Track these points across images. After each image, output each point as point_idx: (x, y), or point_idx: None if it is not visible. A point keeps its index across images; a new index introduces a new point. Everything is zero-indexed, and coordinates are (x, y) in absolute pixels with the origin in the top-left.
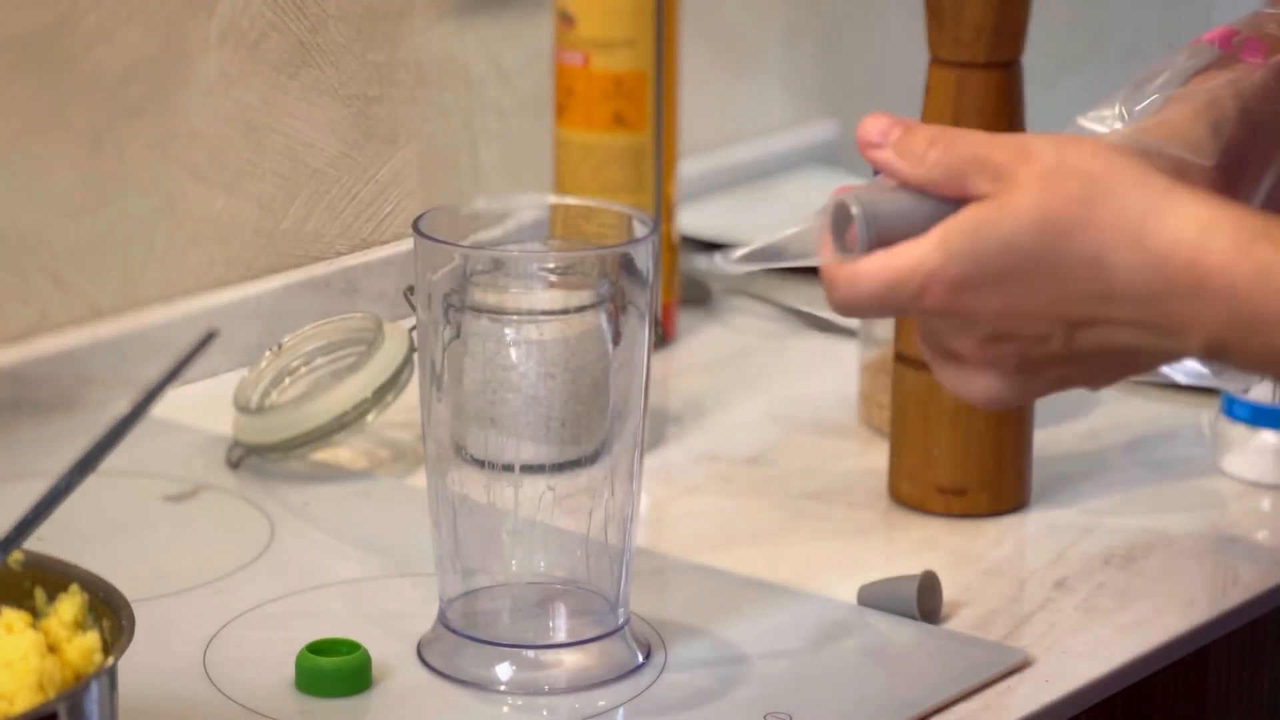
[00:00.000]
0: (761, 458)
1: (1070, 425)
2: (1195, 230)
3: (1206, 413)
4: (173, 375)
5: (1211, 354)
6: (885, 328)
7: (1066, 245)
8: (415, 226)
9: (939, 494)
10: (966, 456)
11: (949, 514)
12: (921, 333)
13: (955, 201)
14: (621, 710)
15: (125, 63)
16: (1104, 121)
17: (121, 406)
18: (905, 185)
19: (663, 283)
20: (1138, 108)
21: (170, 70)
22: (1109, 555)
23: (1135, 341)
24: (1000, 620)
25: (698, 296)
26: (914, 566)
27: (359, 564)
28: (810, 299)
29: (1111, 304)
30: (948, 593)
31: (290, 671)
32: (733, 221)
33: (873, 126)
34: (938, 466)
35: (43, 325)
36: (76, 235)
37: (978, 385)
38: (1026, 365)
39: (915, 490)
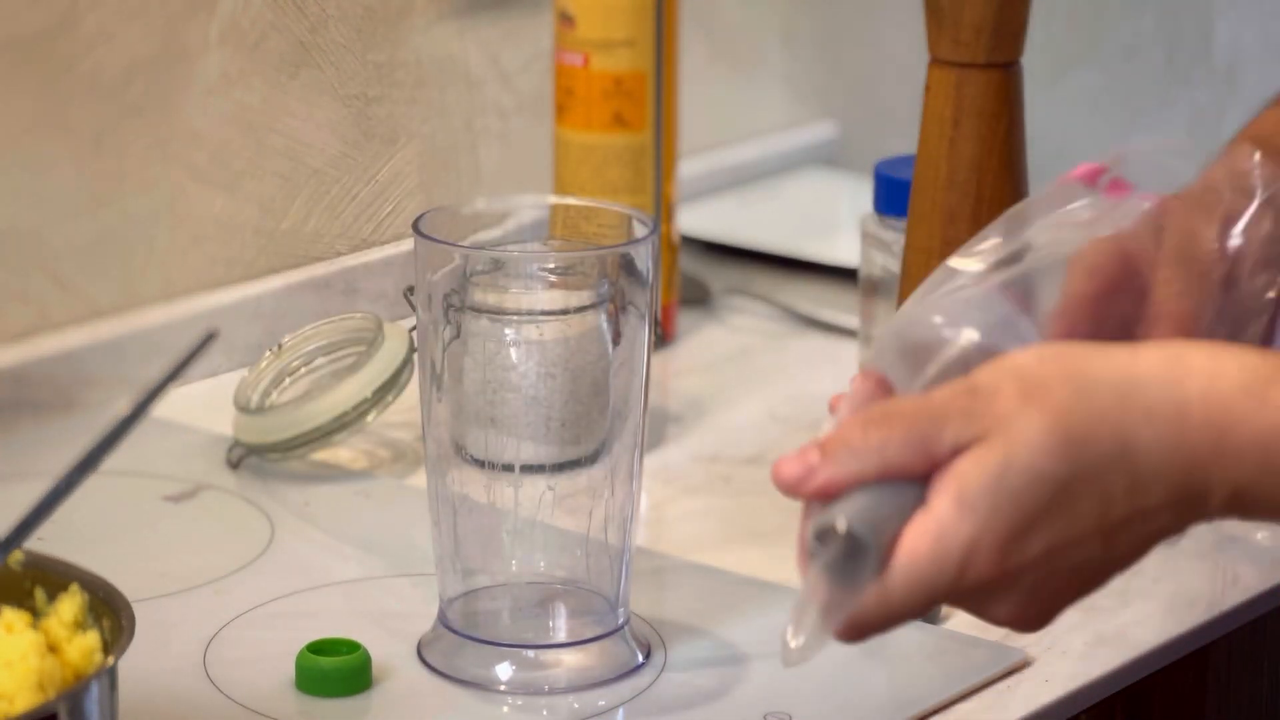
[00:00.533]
0: (761, 458)
1: None
2: (1201, 384)
3: None
4: (173, 375)
5: (1235, 509)
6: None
7: (1092, 450)
8: (415, 226)
9: None
10: None
11: None
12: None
13: (927, 475)
14: (621, 710)
15: (125, 63)
16: (980, 256)
17: (121, 406)
18: (866, 481)
19: (663, 283)
20: (1013, 242)
21: (170, 70)
22: None
23: (1168, 524)
24: None
25: (698, 296)
26: None
27: (359, 564)
28: (810, 299)
29: (1141, 493)
30: None
31: (290, 671)
32: (733, 221)
33: (786, 469)
34: None
35: (43, 325)
36: (76, 235)
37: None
38: (1060, 591)
39: None
